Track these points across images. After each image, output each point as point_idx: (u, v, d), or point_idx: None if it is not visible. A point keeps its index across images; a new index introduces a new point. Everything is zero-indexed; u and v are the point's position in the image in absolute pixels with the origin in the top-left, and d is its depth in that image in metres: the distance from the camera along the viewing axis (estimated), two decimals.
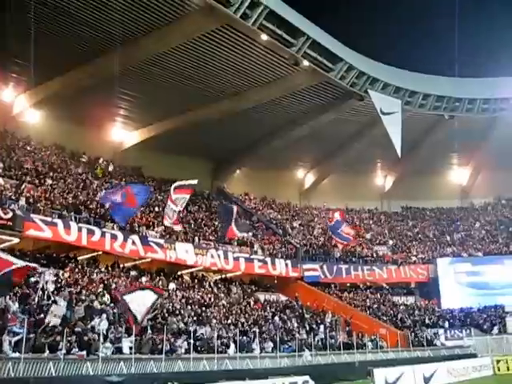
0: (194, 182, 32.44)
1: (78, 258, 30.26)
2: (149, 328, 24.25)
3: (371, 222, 58.43)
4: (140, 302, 21.28)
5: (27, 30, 30.39)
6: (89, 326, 21.83)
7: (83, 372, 19.03)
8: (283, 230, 49.72)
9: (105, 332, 21.63)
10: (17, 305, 20.30)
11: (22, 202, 28.33)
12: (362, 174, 58.85)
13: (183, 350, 23.92)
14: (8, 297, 20.06)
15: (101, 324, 22.11)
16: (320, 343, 32.55)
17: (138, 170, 46.29)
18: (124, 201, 28.85)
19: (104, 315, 23.00)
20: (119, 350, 21.65)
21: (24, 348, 17.40)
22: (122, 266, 32.59)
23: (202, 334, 26.86)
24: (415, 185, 57.69)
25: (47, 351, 18.60)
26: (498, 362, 33.27)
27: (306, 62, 37.25)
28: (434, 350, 38.04)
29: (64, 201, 31.66)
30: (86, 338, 20.63)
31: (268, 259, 40.82)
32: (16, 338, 18.01)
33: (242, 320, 31.56)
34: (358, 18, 66.88)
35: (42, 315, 20.60)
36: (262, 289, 41.37)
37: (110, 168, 42.72)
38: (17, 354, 17.42)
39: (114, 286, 28.17)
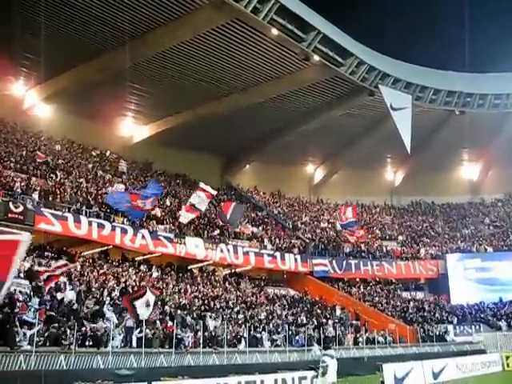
0: (214, 192, 37.13)
1: (88, 252, 30.45)
2: (158, 321, 24.40)
3: (381, 217, 58.30)
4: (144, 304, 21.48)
5: (38, 25, 30.60)
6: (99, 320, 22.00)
7: (94, 365, 19.17)
8: (293, 224, 49.73)
9: (113, 324, 21.78)
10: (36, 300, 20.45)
11: (34, 195, 28.50)
12: (372, 169, 58.67)
13: (189, 343, 24.11)
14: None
15: (110, 317, 22.29)
16: (329, 338, 32.55)
17: (148, 165, 46.43)
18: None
19: (111, 308, 23.20)
20: (129, 343, 21.84)
21: (35, 341, 17.57)
22: (131, 259, 32.75)
23: (211, 327, 27.00)
24: (425, 180, 57.49)
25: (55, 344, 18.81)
26: (508, 358, 33.09)
27: (316, 57, 37.16)
28: (443, 345, 38.04)
29: (74, 195, 31.83)
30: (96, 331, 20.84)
31: (277, 254, 40.86)
32: (32, 330, 18.11)
33: (251, 314, 31.66)
34: (368, 13, 66.50)
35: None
36: (271, 283, 41.45)
37: (124, 166, 42.67)
38: (29, 347, 17.55)
39: (124, 279, 28.34)
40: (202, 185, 36.61)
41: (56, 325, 19.73)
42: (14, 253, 12.58)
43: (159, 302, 26.86)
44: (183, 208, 36.28)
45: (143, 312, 21.22)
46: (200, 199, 35.46)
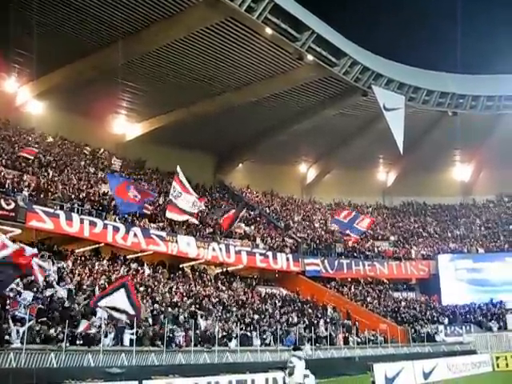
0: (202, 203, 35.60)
1: (80, 250, 30.31)
2: (149, 319, 24.33)
3: (373, 217, 58.27)
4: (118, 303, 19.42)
5: (30, 22, 30.44)
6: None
7: (84, 363, 19.11)
8: (285, 224, 49.73)
9: (105, 322, 21.66)
10: (30, 294, 20.32)
11: (25, 192, 28.31)
12: (365, 169, 58.84)
13: (180, 342, 24.06)
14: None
15: (101, 315, 22.14)
16: (320, 337, 32.62)
17: (141, 163, 46.31)
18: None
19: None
20: (120, 341, 21.75)
21: (26, 338, 17.50)
22: (123, 257, 32.60)
23: (202, 325, 26.95)
24: (417, 181, 57.76)
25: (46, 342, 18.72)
26: (498, 358, 33.23)
27: (310, 57, 37.18)
28: (434, 345, 38.21)
29: (66, 192, 31.68)
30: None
31: (269, 253, 40.79)
32: (24, 327, 18.00)
33: (243, 313, 31.63)
34: (362, 14, 66.77)
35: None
36: (263, 282, 41.44)
37: (118, 164, 42.41)
38: (19, 345, 17.46)
39: (115, 277, 28.19)
40: (180, 175, 32.67)
41: (45, 319, 19.66)
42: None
43: (150, 300, 26.87)
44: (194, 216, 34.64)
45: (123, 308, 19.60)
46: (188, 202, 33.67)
